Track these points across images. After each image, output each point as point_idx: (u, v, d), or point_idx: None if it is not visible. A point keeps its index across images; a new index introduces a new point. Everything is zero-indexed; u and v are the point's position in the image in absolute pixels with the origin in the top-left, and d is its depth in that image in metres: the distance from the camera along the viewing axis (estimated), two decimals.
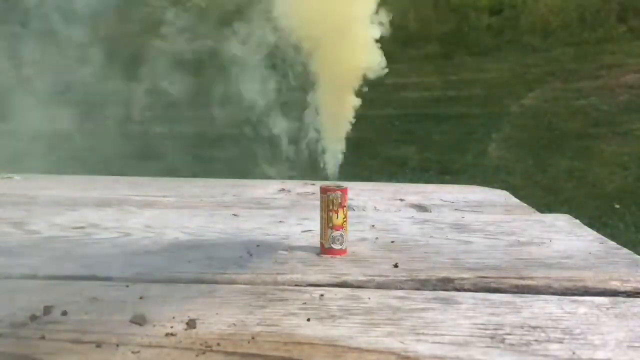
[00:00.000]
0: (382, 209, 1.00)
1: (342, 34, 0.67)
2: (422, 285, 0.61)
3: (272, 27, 0.70)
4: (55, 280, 0.62)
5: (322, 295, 0.57)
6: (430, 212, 0.99)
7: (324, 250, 0.71)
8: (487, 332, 0.49)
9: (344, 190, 0.70)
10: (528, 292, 0.59)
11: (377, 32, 0.68)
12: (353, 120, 0.72)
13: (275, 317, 0.52)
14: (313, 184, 1.23)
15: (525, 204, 1.08)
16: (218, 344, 0.46)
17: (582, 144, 4.56)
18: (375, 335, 0.48)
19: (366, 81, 0.70)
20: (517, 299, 0.57)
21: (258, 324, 0.50)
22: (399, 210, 1.00)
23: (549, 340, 0.48)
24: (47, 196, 1.09)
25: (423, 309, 0.54)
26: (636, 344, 0.47)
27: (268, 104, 0.79)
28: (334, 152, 0.73)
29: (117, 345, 0.46)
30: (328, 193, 0.70)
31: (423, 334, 0.49)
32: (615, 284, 0.61)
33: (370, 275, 0.63)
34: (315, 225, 0.74)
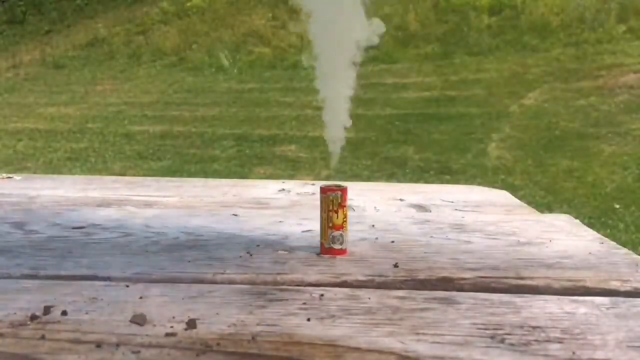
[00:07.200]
0: (382, 209, 1.00)
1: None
2: (422, 285, 0.61)
3: None
4: (55, 280, 0.62)
5: (322, 295, 0.57)
6: (430, 212, 0.99)
7: (324, 250, 0.71)
8: (487, 332, 0.49)
9: (344, 190, 0.70)
10: (528, 292, 0.59)
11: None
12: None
13: (275, 317, 0.52)
14: (313, 184, 1.23)
15: (525, 204, 1.08)
16: (218, 344, 0.46)
17: (582, 144, 4.56)
18: (375, 335, 0.48)
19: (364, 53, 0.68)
20: (517, 299, 0.57)
21: (258, 324, 0.50)
22: (399, 210, 1.00)
23: (549, 340, 0.48)
24: (47, 196, 1.09)
25: (423, 309, 0.54)
26: (636, 344, 0.48)
27: None
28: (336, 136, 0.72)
29: (117, 345, 0.46)
30: (328, 193, 0.70)
31: (423, 334, 0.49)
32: (615, 284, 0.61)
33: (370, 275, 0.63)
34: (315, 225, 0.74)
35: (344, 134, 0.72)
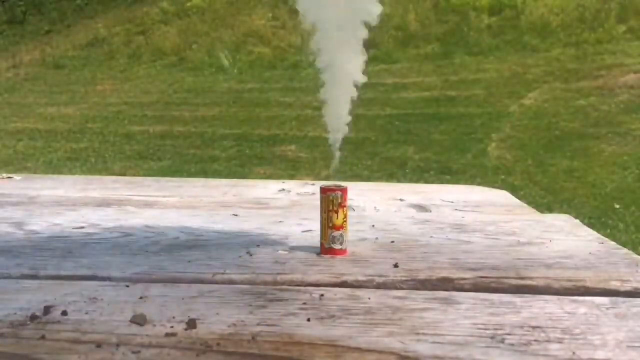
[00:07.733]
0: (382, 209, 1.00)
1: None
2: (422, 285, 0.61)
3: None
4: (55, 280, 0.62)
5: (322, 295, 0.57)
6: (430, 212, 0.99)
7: (324, 250, 0.71)
8: (487, 332, 0.49)
9: (344, 190, 0.70)
10: (528, 292, 0.59)
11: None
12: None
13: (275, 317, 0.52)
14: (313, 184, 1.23)
15: (525, 204, 1.08)
16: (218, 344, 0.46)
17: (582, 144, 4.56)
18: (376, 335, 0.48)
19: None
20: (517, 299, 0.57)
21: (258, 324, 0.50)
22: (399, 210, 1.00)
23: (549, 340, 0.48)
24: (47, 196, 1.09)
25: (423, 309, 0.54)
26: (636, 344, 0.47)
27: None
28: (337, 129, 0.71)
29: (117, 345, 0.46)
30: (328, 193, 0.70)
31: (423, 334, 0.49)
32: (615, 284, 0.61)
33: (370, 275, 0.63)
34: (315, 225, 0.74)
35: (344, 132, 0.72)
